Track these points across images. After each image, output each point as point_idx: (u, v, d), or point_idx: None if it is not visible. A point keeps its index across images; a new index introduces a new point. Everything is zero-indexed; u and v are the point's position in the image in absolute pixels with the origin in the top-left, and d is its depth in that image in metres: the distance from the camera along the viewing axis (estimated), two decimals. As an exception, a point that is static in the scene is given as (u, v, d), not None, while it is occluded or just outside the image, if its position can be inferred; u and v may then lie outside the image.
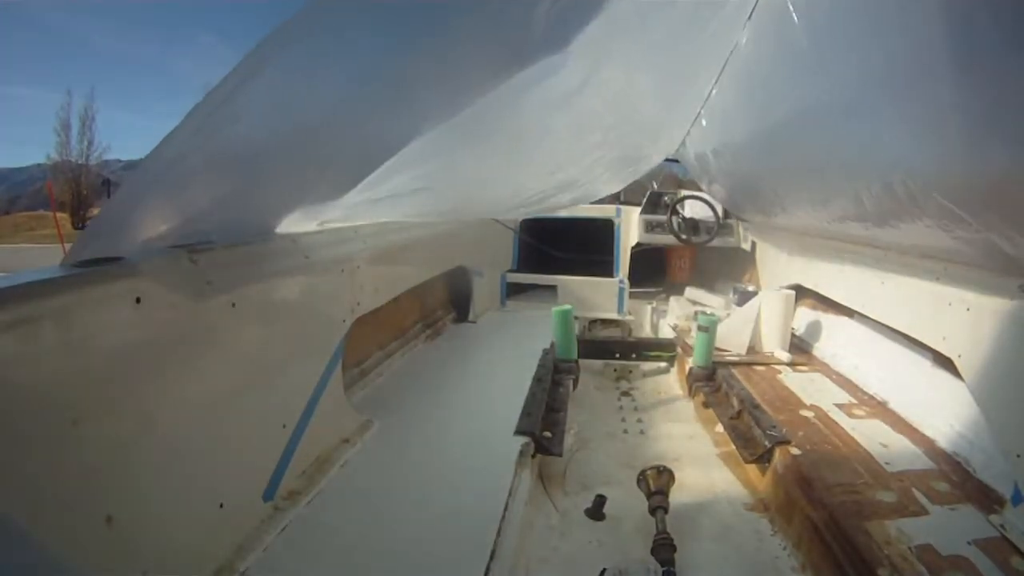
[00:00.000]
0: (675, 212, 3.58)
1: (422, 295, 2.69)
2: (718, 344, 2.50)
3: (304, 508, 1.25)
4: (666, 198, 3.71)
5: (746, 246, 3.60)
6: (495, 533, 1.19)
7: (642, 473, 1.59)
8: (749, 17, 1.77)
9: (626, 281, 3.62)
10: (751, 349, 2.55)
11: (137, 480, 0.89)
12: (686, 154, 3.10)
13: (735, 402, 2.05)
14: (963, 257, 1.59)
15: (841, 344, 2.43)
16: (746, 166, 2.52)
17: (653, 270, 3.88)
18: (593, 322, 3.65)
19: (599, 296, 3.60)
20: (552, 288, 3.56)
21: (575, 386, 2.41)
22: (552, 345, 2.57)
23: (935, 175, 1.35)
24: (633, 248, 3.70)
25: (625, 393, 2.63)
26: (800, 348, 2.59)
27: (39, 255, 13.36)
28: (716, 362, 2.41)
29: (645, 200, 3.77)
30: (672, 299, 3.48)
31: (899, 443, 1.65)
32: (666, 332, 3.12)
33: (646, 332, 3.56)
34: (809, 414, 1.87)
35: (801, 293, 2.65)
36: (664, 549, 1.33)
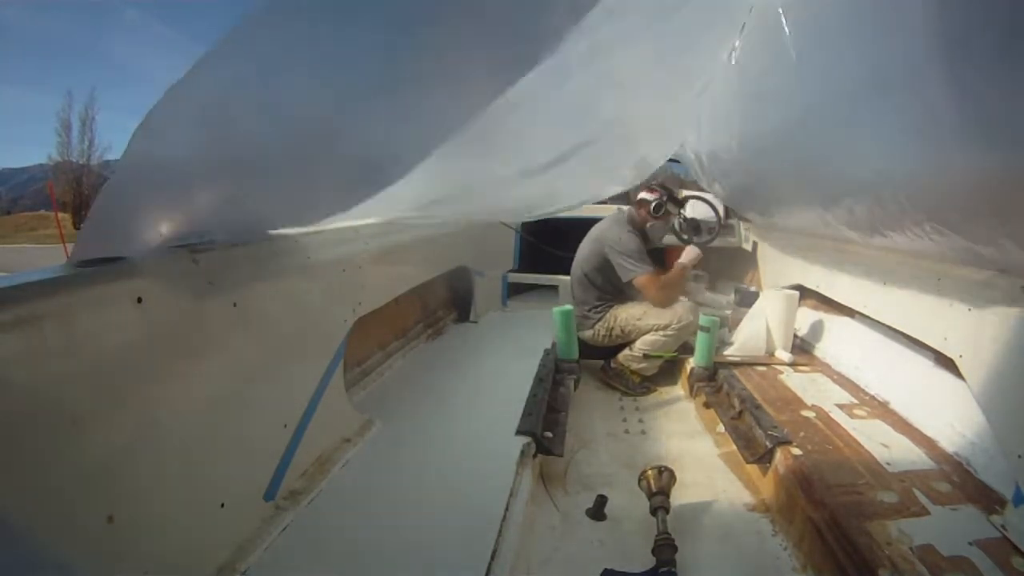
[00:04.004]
0: (677, 213, 3.58)
1: (423, 295, 2.69)
2: (736, 353, 2.52)
3: (305, 508, 1.25)
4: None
5: (747, 246, 3.60)
6: (496, 533, 1.19)
7: (643, 473, 1.59)
8: (743, 28, 1.78)
9: None
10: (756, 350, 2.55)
11: (138, 480, 0.89)
12: (686, 154, 3.10)
13: (736, 402, 2.05)
14: (963, 258, 1.59)
15: (843, 344, 2.43)
16: (744, 170, 2.53)
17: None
18: None
19: None
20: (554, 288, 3.56)
21: (576, 386, 2.41)
22: (553, 345, 2.58)
23: (922, 184, 1.37)
24: None
25: (626, 393, 2.63)
26: (801, 348, 2.59)
27: (41, 255, 13.38)
28: (717, 362, 2.41)
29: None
30: None
31: (900, 443, 1.65)
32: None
33: None
34: (810, 414, 1.87)
35: (802, 293, 2.65)
36: (665, 549, 1.33)
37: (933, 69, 1.06)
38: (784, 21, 1.50)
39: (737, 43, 1.87)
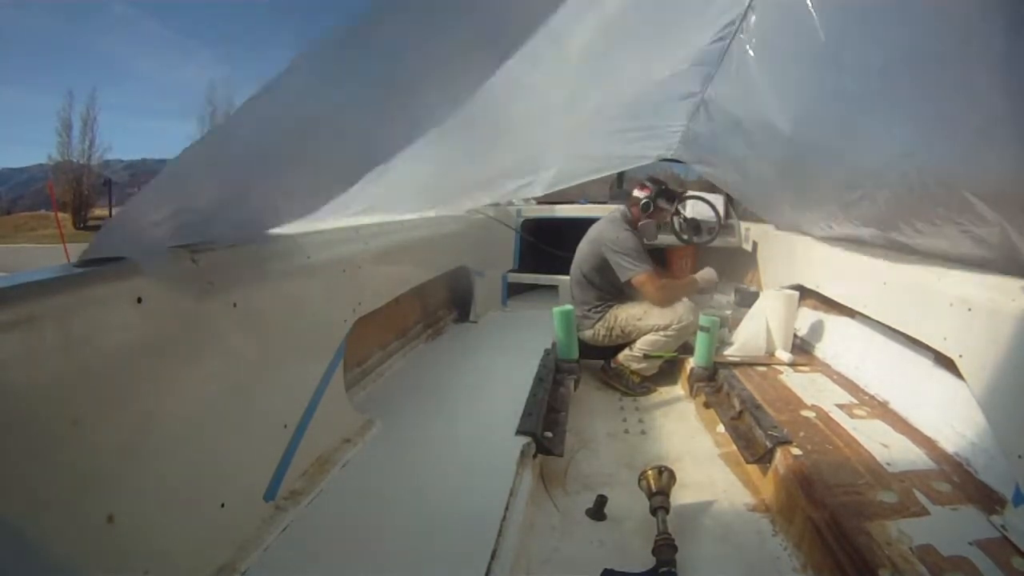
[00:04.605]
0: (676, 212, 3.58)
1: (423, 295, 2.69)
2: (736, 353, 2.52)
3: (305, 508, 1.25)
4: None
5: (747, 246, 3.59)
6: (496, 533, 1.19)
7: (643, 473, 1.59)
8: (749, 6, 1.76)
9: None
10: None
11: (138, 479, 0.89)
12: (687, 144, 3.09)
13: (736, 402, 2.05)
14: (965, 258, 1.59)
15: (842, 344, 2.42)
16: (750, 158, 2.51)
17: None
18: None
19: None
20: (554, 288, 3.56)
21: (576, 386, 2.41)
22: (553, 345, 2.58)
23: (950, 169, 1.35)
24: None
25: (626, 393, 2.63)
26: (801, 348, 2.59)
27: (41, 255, 13.38)
28: (717, 362, 2.41)
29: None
30: None
31: (900, 443, 1.65)
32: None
33: None
34: (810, 414, 1.87)
35: (802, 293, 2.65)
36: (665, 549, 1.33)
37: (963, 54, 1.04)
38: None
39: (753, 18, 1.83)
